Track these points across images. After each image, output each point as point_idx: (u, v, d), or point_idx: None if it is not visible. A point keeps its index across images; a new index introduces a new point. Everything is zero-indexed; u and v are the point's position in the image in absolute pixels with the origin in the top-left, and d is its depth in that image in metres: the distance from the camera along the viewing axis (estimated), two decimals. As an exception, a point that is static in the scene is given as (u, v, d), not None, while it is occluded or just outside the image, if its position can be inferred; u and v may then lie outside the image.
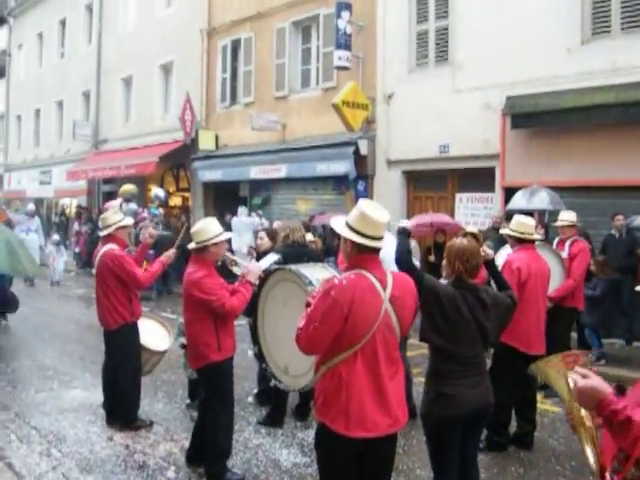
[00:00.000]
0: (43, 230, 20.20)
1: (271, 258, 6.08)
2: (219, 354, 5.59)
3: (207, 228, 5.73)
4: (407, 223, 4.90)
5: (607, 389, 2.36)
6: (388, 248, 4.17)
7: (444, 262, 4.64)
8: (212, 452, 5.80)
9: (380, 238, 3.88)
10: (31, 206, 20.18)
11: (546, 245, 8.48)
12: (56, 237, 20.45)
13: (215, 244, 5.67)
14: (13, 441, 6.72)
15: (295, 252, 6.46)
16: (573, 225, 8.83)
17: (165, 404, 8.07)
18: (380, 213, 3.91)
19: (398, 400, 3.93)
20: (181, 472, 6.00)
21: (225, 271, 7.23)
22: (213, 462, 5.78)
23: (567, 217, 8.90)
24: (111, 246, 7.25)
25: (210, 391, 5.82)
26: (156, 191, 19.46)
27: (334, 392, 3.81)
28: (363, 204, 3.98)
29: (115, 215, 7.47)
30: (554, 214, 9.92)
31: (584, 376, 2.43)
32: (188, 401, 7.81)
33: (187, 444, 6.63)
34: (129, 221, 7.56)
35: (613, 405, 2.29)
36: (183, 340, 7.44)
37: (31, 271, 9.99)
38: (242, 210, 16.06)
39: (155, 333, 7.40)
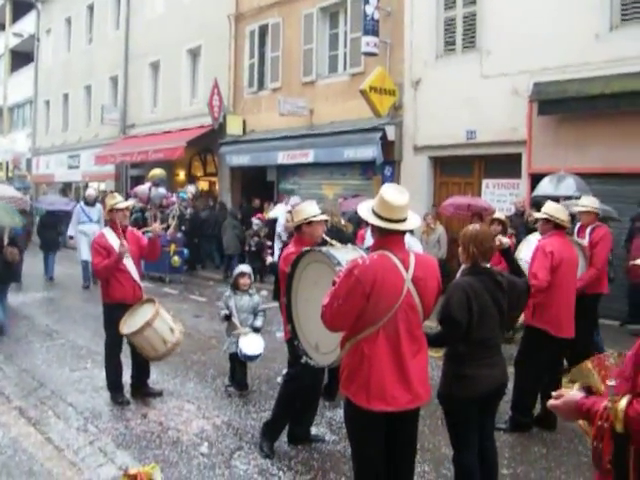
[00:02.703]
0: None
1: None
2: None
3: (302, 209, 6.05)
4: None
5: (577, 396, 2.64)
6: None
7: (459, 249, 4.77)
8: (270, 418, 6.24)
9: (400, 220, 4.03)
10: (91, 192, 17.66)
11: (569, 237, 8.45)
12: None
13: (308, 224, 5.94)
14: (51, 417, 6.95)
15: (333, 236, 6.60)
16: (592, 212, 8.75)
17: (196, 383, 8.25)
18: (398, 196, 4.05)
19: (420, 377, 4.08)
20: (214, 448, 6.18)
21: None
22: (263, 429, 6.23)
23: (587, 203, 8.82)
24: (103, 229, 7.73)
25: (291, 362, 6.14)
26: (190, 187, 19.74)
27: (356, 367, 4.00)
28: (383, 188, 4.15)
29: (110, 199, 7.73)
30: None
31: (557, 397, 2.70)
32: (227, 382, 8.02)
33: (218, 421, 6.87)
34: (123, 204, 7.68)
35: (585, 405, 2.57)
36: (226, 312, 7.72)
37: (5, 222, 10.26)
38: (294, 199, 15.93)
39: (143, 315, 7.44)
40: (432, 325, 4.70)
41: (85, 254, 15.36)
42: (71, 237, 16.77)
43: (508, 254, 5.16)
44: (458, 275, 5.24)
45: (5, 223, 10.22)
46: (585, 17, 12.15)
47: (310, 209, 6.03)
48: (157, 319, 7.16)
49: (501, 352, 4.78)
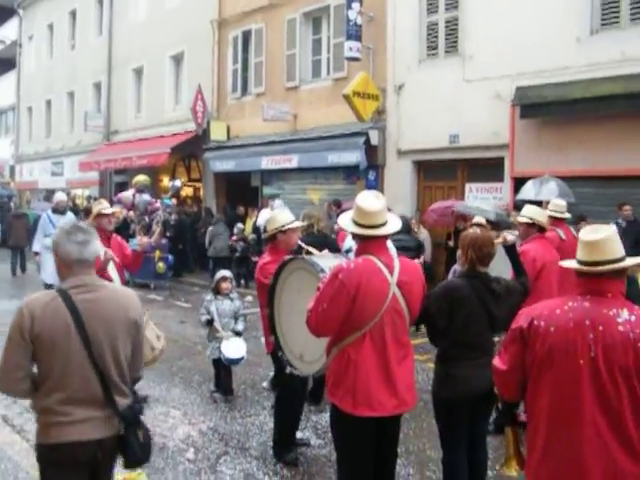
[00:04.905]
0: None
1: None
2: None
3: (276, 217, 6.02)
4: None
5: None
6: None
7: (458, 251, 4.78)
8: (276, 436, 6.16)
9: (377, 226, 4.04)
10: (60, 197, 13.22)
11: None
12: None
13: (282, 232, 5.89)
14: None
15: (318, 242, 6.59)
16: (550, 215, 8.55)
17: (182, 389, 8.26)
18: (373, 202, 4.07)
19: (406, 382, 4.10)
20: (200, 453, 6.20)
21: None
22: (275, 449, 6.13)
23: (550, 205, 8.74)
24: None
25: (278, 375, 6.24)
26: (173, 182, 19.75)
27: (343, 373, 4.00)
28: (359, 196, 4.18)
29: (97, 205, 7.67)
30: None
31: None
32: (213, 388, 8.04)
33: (204, 427, 6.88)
34: (109, 210, 7.59)
35: None
36: (208, 317, 7.72)
37: None
38: (278, 203, 15.92)
39: None
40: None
41: (50, 277, 10.73)
42: (36, 253, 12.41)
43: (512, 251, 5.12)
44: (450, 276, 5.27)
45: None
46: (566, 22, 12.27)
47: (283, 217, 6.01)
48: (147, 326, 7.16)
49: (493, 355, 4.78)
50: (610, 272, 3.09)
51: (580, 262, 3.16)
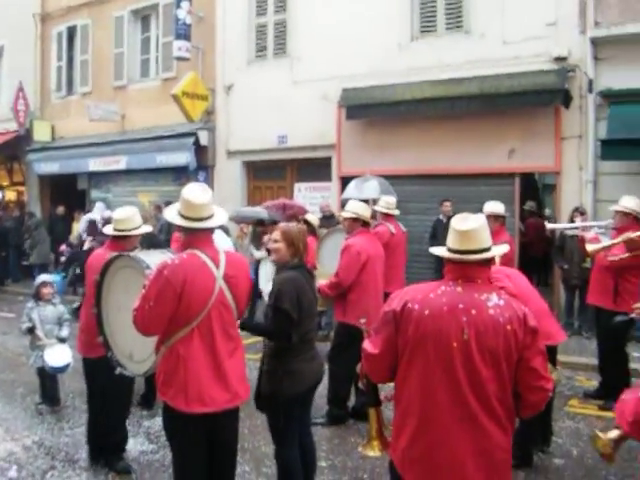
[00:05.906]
0: None
1: None
2: None
3: (133, 218, 5.73)
4: None
5: None
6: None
7: (280, 245, 4.76)
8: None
9: (203, 219, 4.05)
10: None
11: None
12: None
13: (136, 236, 5.71)
14: None
15: (145, 243, 6.47)
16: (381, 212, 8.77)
17: (4, 404, 7.81)
18: (198, 195, 4.07)
19: (238, 376, 4.09)
20: (24, 470, 5.88)
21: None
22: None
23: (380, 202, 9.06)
24: None
25: (88, 382, 5.96)
26: None
27: (173, 370, 3.95)
28: (185, 189, 4.16)
29: None
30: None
31: None
32: (38, 400, 7.66)
33: (29, 442, 6.53)
34: None
35: None
36: (29, 324, 7.36)
37: None
38: (99, 206, 15.38)
39: None
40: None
41: None
42: None
43: None
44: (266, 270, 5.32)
45: None
46: (389, 27, 12.82)
47: (138, 219, 5.81)
48: None
49: (315, 346, 4.88)
50: (480, 260, 3.23)
51: (451, 250, 3.27)
